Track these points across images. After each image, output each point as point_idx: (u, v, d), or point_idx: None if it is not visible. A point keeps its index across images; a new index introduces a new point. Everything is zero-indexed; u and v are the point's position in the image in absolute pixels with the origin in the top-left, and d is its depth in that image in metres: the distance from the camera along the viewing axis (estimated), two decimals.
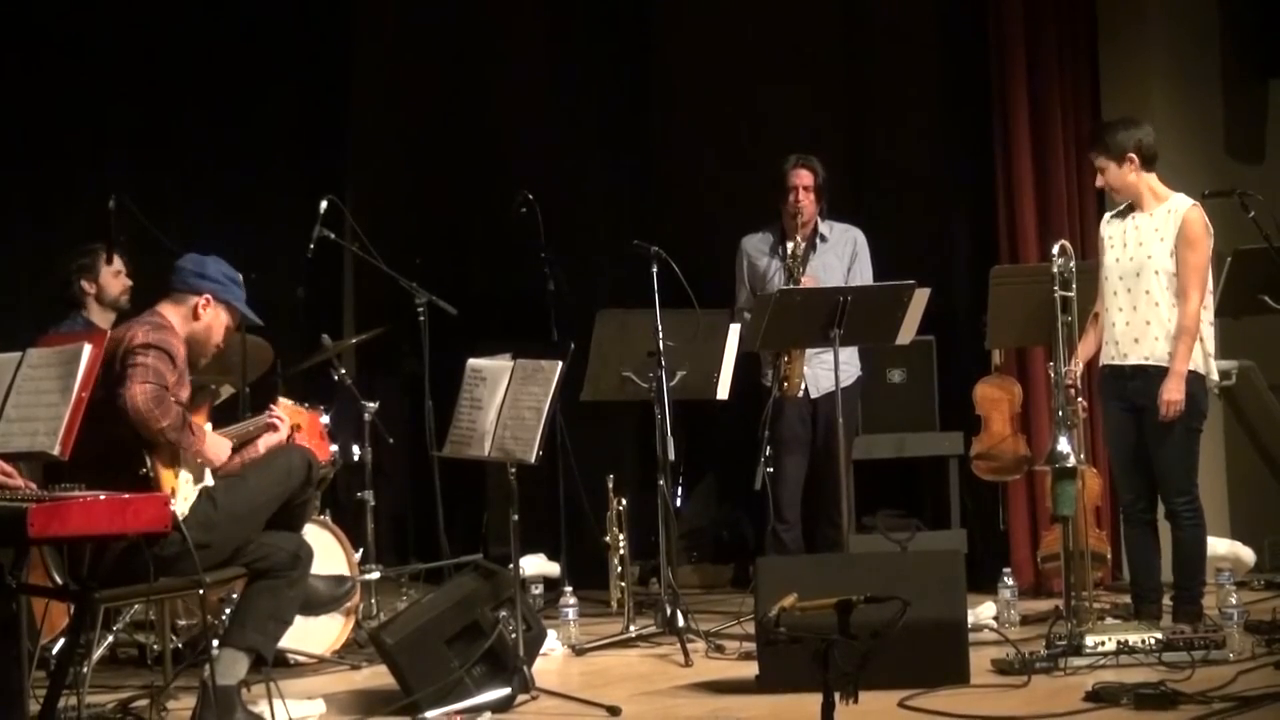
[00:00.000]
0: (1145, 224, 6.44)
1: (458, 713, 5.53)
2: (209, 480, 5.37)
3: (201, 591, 5.20)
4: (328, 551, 6.50)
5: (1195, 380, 6.34)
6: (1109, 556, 7.81)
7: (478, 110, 9.78)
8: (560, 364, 5.92)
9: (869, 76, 9.38)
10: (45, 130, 7.84)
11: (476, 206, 9.52)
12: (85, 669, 5.44)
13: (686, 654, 6.56)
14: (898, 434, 8.56)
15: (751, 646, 6.34)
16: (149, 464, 5.19)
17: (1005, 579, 7.09)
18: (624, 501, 7.66)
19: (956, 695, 5.60)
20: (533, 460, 5.85)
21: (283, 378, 7.10)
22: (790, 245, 7.44)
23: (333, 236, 7.29)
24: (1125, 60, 8.46)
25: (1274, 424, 7.89)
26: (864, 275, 7.51)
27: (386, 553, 8.60)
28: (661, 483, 7.03)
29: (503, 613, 5.79)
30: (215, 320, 5.52)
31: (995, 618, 6.99)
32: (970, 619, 6.24)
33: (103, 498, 4.48)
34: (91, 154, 7.96)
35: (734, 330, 7.19)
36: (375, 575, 7.40)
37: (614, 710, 5.58)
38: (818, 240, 7.55)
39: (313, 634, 6.49)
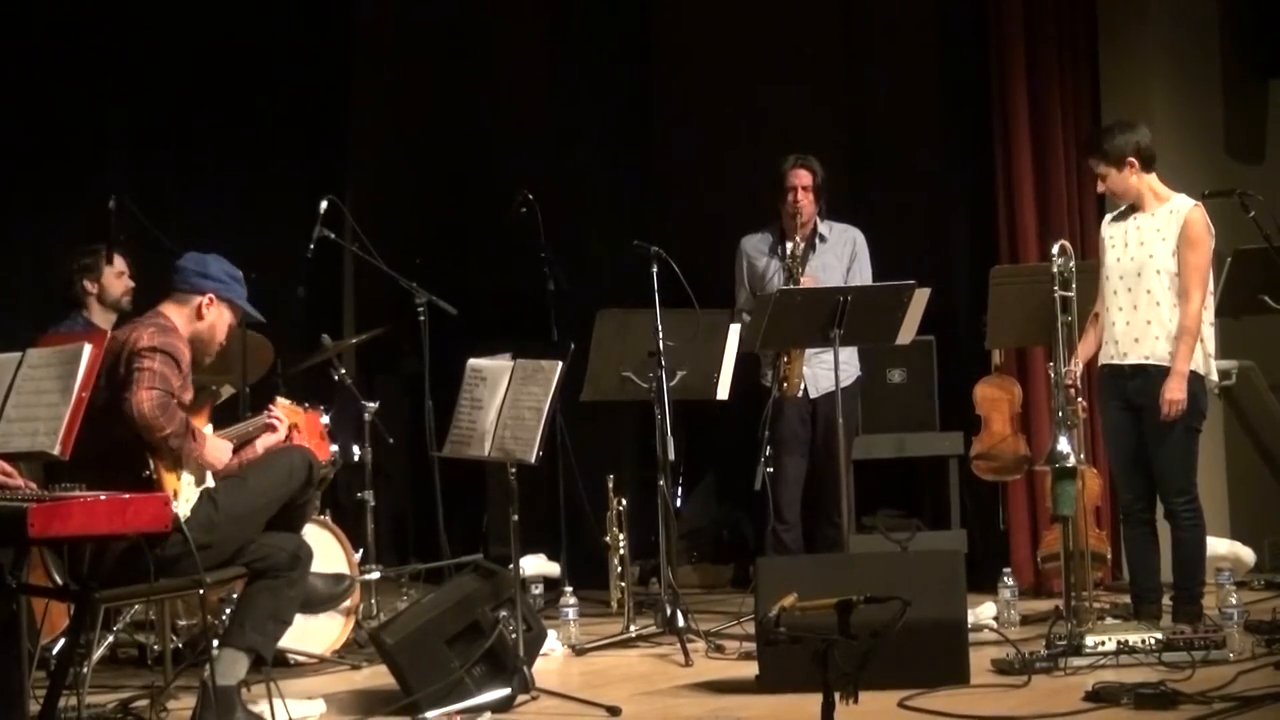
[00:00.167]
0: (1147, 224, 6.44)
1: (458, 713, 5.53)
2: (210, 481, 5.37)
3: (201, 592, 5.21)
4: (328, 551, 6.50)
5: (1195, 380, 6.34)
6: (1109, 556, 7.81)
7: (478, 110, 9.78)
8: (560, 364, 5.92)
9: (869, 76, 9.38)
10: (45, 130, 7.83)
11: (476, 206, 9.51)
12: (85, 669, 5.44)
13: (686, 654, 6.56)
14: (898, 434, 8.56)
15: (751, 646, 6.34)
16: (151, 466, 5.19)
17: (1005, 579, 7.09)
18: (624, 501, 7.67)
19: (956, 695, 5.60)
20: (533, 460, 5.85)
21: (283, 378, 7.10)
22: (789, 245, 7.44)
23: (333, 236, 7.29)
24: (1125, 60, 8.46)
25: (1274, 424, 7.89)
26: (863, 275, 7.51)
27: (386, 553, 8.60)
28: (661, 483, 7.03)
29: (503, 613, 5.79)
30: (219, 319, 5.52)
31: (995, 618, 6.99)
32: (970, 619, 6.24)
33: (103, 498, 4.48)
34: (91, 154, 7.96)
35: (734, 330, 7.19)
36: (375, 575, 7.39)
37: (614, 710, 5.58)
38: (817, 240, 7.55)
39: (313, 634, 6.49)
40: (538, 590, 7.55)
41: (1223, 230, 6.69)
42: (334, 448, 6.86)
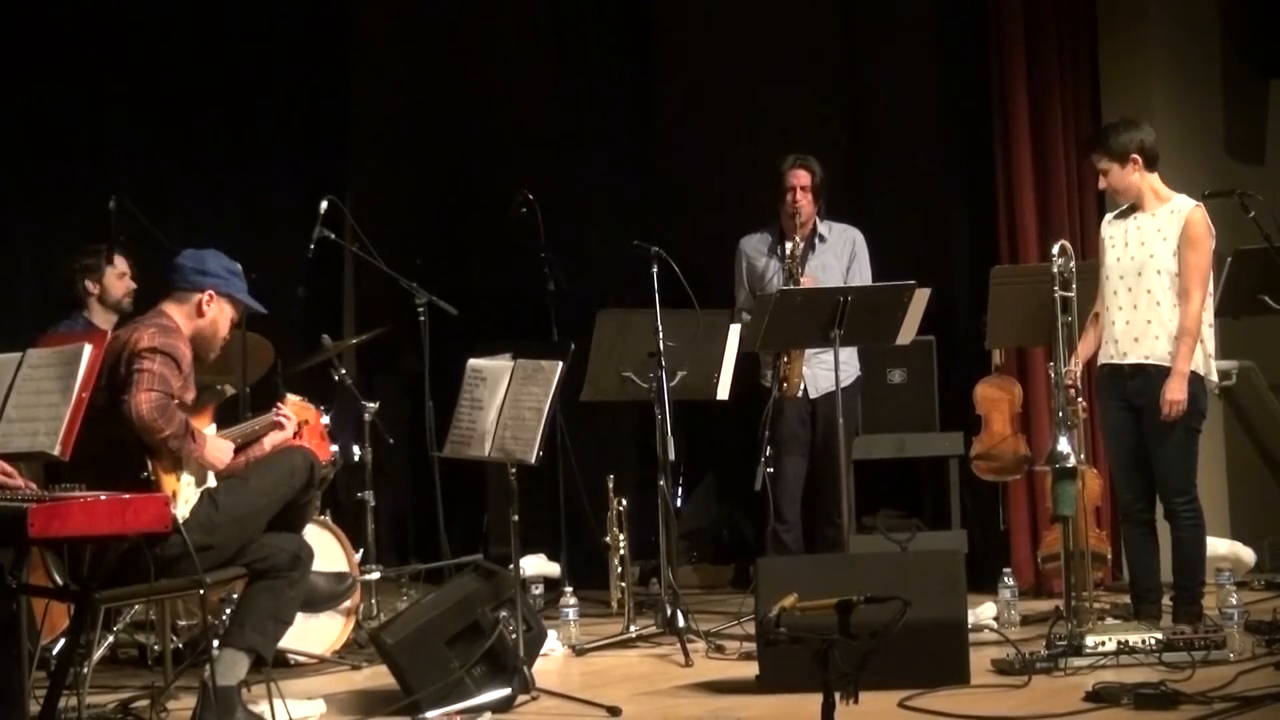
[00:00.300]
0: (1147, 224, 6.44)
1: (458, 713, 5.53)
2: (211, 482, 5.37)
3: (201, 592, 5.20)
4: (328, 552, 6.50)
5: (1195, 380, 6.34)
6: (1109, 557, 7.81)
7: (478, 110, 9.77)
8: (560, 364, 5.92)
9: (869, 76, 9.38)
10: (45, 130, 7.84)
11: (476, 206, 9.51)
12: (85, 669, 5.44)
13: (687, 654, 6.56)
14: (898, 434, 8.56)
15: (751, 647, 6.34)
16: (150, 467, 5.19)
17: (1005, 579, 7.09)
18: (624, 501, 7.67)
19: (956, 695, 5.60)
20: (533, 460, 5.85)
21: (283, 378, 7.10)
22: (789, 245, 7.44)
23: (333, 236, 7.28)
24: (1125, 60, 8.46)
25: (1274, 424, 7.89)
26: (863, 275, 7.51)
27: (386, 553, 8.59)
28: (661, 483, 7.03)
29: (503, 613, 5.79)
30: (220, 315, 5.52)
31: (995, 618, 6.99)
32: (970, 619, 6.23)
33: (103, 498, 4.48)
34: (92, 154, 7.96)
35: (734, 330, 7.18)
36: (375, 575, 7.39)
37: (614, 710, 5.58)
38: (816, 240, 7.55)
39: (313, 634, 6.49)
40: (538, 590, 7.54)
41: (1223, 230, 6.69)
42: (334, 448, 6.87)
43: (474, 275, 9.54)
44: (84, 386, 4.63)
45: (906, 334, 7.01)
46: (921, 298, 6.91)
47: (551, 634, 6.70)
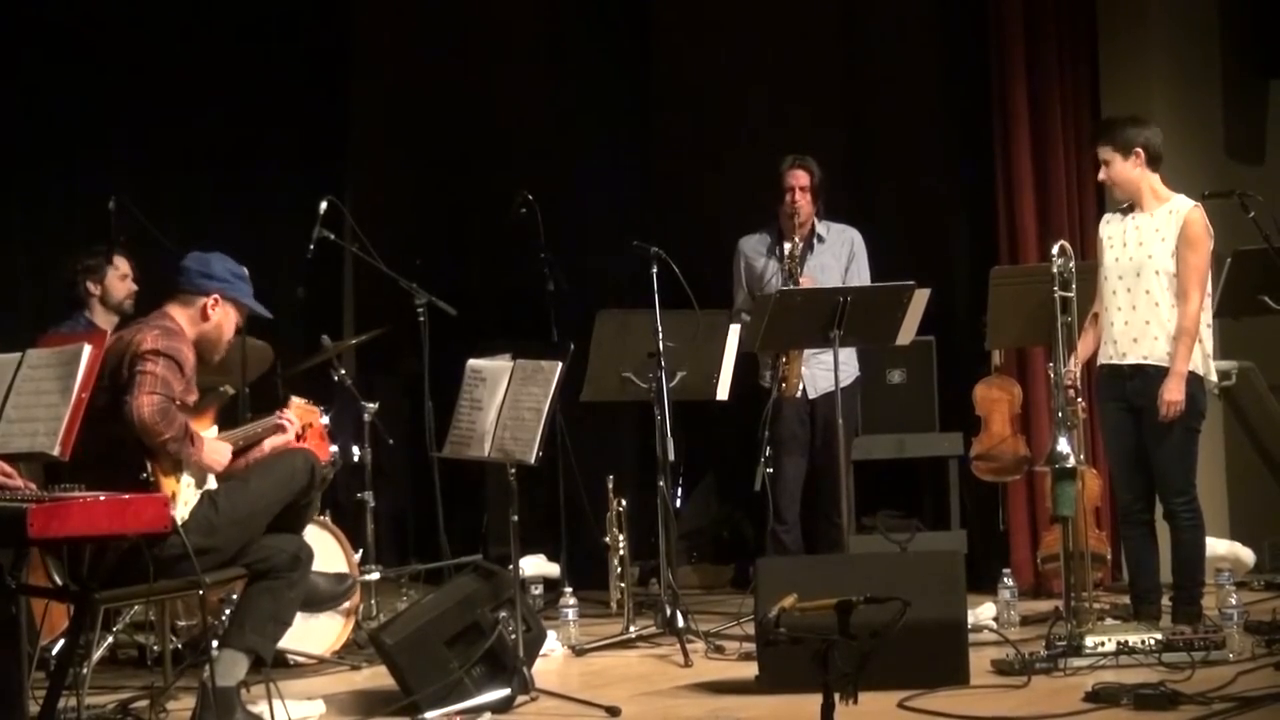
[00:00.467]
0: (1146, 224, 6.44)
1: (458, 713, 5.53)
2: (211, 483, 5.37)
3: (201, 593, 5.20)
4: (328, 552, 6.50)
5: (1194, 381, 6.34)
6: (1109, 557, 7.81)
7: (478, 110, 9.77)
8: (560, 364, 5.92)
9: (869, 76, 9.37)
10: (45, 130, 7.84)
11: (476, 206, 9.51)
12: (85, 670, 5.43)
13: (686, 654, 6.55)
14: (897, 434, 8.56)
15: (751, 647, 6.34)
16: (149, 469, 5.19)
17: (1005, 579, 7.09)
18: (624, 502, 7.66)
19: (956, 696, 5.60)
20: (532, 461, 5.85)
21: (282, 378, 7.10)
22: (788, 246, 7.44)
23: (332, 237, 7.28)
24: (1125, 60, 8.46)
25: (1274, 425, 7.89)
26: (861, 276, 7.51)
27: (386, 553, 8.59)
28: (661, 483, 7.03)
29: (503, 613, 5.79)
30: (225, 319, 5.52)
31: (995, 618, 6.99)
32: (970, 619, 6.24)
33: (103, 498, 4.48)
34: (92, 154, 7.97)
35: (734, 331, 7.18)
36: (375, 576, 7.39)
37: (614, 711, 5.57)
38: (815, 241, 7.55)
39: (313, 634, 6.49)
40: (537, 591, 7.55)
41: (1222, 231, 6.70)
42: (334, 448, 6.86)
43: (474, 275, 9.54)
44: (83, 387, 4.63)
45: (906, 334, 7.01)
46: (921, 298, 6.91)
47: (551, 634, 6.70)
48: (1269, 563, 8.13)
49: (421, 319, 7.50)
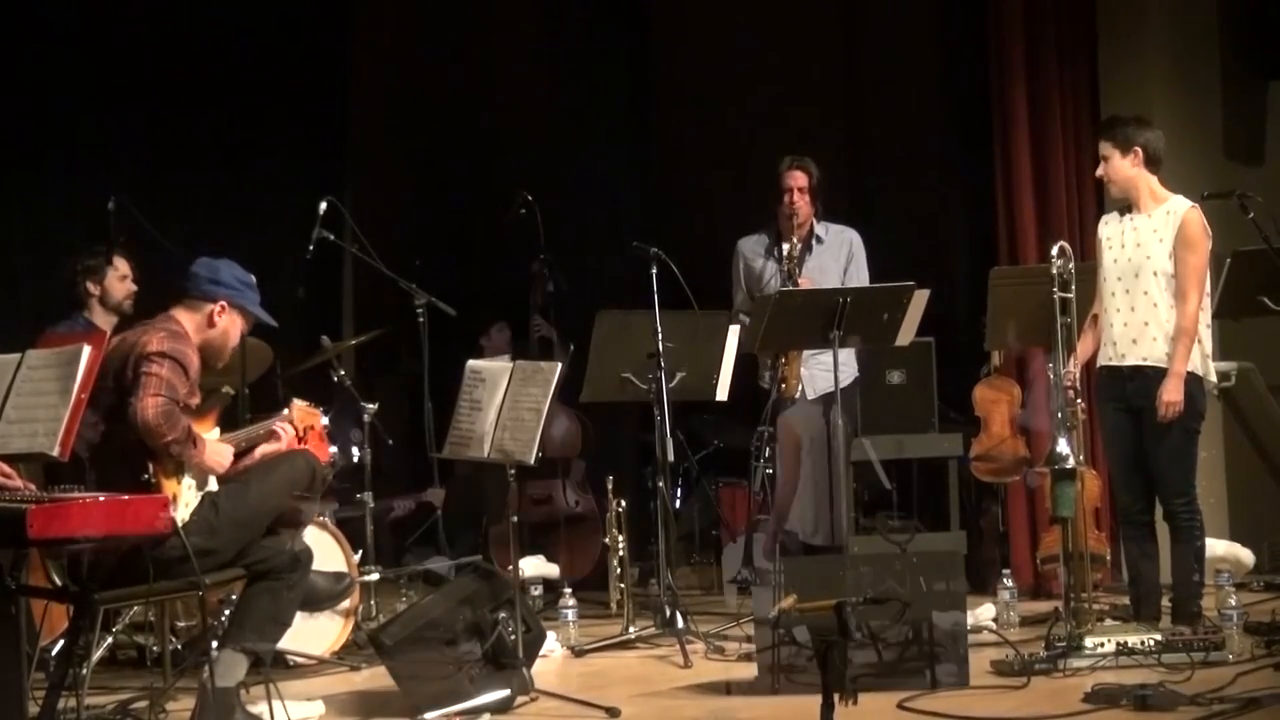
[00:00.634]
0: (1144, 225, 6.44)
1: (457, 714, 5.53)
2: (212, 485, 5.37)
3: (201, 594, 5.20)
4: (327, 552, 6.50)
5: (1193, 382, 6.34)
6: (1108, 558, 7.81)
7: (477, 110, 9.78)
8: (560, 365, 5.92)
9: (869, 76, 9.38)
10: (46, 130, 7.84)
11: (476, 206, 9.52)
12: (84, 670, 5.43)
13: (686, 655, 6.55)
14: (897, 435, 8.55)
15: (751, 647, 6.34)
16: (150, 470, 5.19)
17: (1005, 580, 7.09)
18: (623, 503, 7.66)
19: (955, 696, 5.59)
20: (531, 461, 5.85)
21: (282, 379, 7.10)
22: (786, 247, 7.44)
23: (332, 238, 7.28)
24: (1125, 61, 8.46)
25: (1274, 426, 7.88)
26: (860, 276, 7.51)
27: (385, 554, 8.59)
28: (661, 484, 7.03)
29: (502, 614, 5.79)
30: (231, 326, 5.52)
31: (994, 619, 6.99)
32: (970, 620, 6.23)
33: (102, 499, 4.48)
34: (92, 154, 7.96)
35: (733, 331, 7.18)
36: (374, 576, 7.39)
37: (613, 711, 5.57)
38: (813, 241, 7.55)
39: (312, 635, 6.49)
40: (537, 591, 7.54)
41: (1222, 232, 6.69)
42: (333, 449, 6.85)
43: (474, 276, 9.54)
44: (83, 387, 4.62)
45: (905, 335, 7.01)
46: (921, 299, 6.91)
47: (551, 635, 6.70)
48: (1268, 563, 8.13)
49: (421, 319, 7.50)
